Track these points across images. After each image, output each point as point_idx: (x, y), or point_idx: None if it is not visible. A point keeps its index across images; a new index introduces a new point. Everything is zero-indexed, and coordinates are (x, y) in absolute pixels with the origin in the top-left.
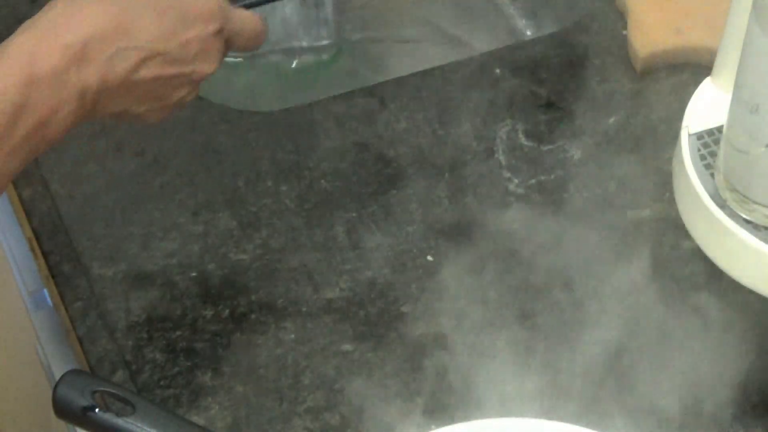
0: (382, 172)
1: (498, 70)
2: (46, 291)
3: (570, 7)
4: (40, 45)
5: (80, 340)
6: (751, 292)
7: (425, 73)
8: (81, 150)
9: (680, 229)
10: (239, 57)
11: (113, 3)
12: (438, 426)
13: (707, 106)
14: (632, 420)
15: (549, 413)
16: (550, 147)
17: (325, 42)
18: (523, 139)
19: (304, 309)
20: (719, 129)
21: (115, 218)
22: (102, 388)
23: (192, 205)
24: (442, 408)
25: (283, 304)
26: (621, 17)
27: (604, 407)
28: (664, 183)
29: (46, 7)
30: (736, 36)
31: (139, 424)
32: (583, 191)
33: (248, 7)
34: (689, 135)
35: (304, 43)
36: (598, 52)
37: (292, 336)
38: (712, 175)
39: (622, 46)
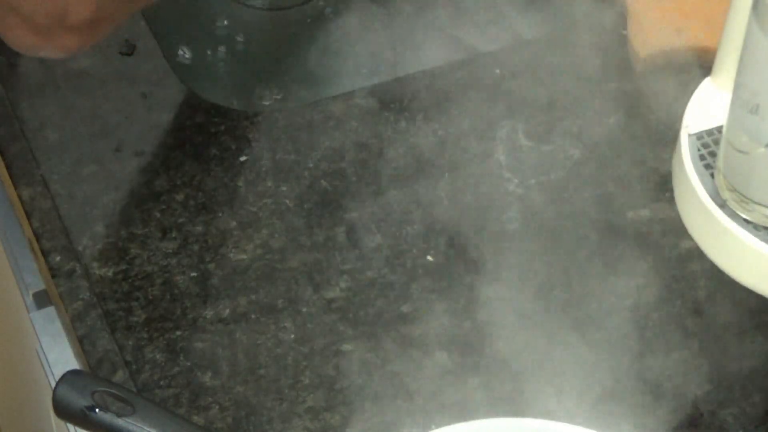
0: (382, 172)
1: (498, 70)
2: (46, 291)
3: (570, 7)
4: None
5: (80, 340)
6: (751, 292)
7: (425, 73)
8: (81, 150)
9: (680, 229)
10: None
11: None
12: (438, 426)
13: (707, 106)
14: (632, 420)
15: (549, 413)
16: (550, 147)
17: None
18: (523, 139)
19: (304, 309)
20: (719, 129)
21: (115, 218)
22: (102, 388)
23: (192, 205)
24: (442, 408)
25: (283, 304)
26: (621, 17)
27: (605, 407)
28: (664, 183)
29: None
30: (736, 36)
31: (139, 424)
32: (583, 191)
33: None
34: (689, 135)
35: None
36: (598, 52)
37: (292, 336)
38: (712, 175)
39: (622, 46)
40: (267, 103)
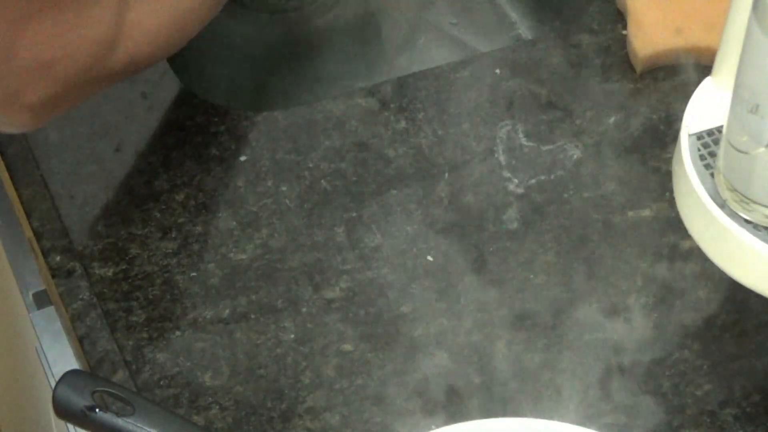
0: (382, 172)
1: (498, 70)
2: (46, 291)
3: (569, 7)
4: None
5: (80, 340)
6: (751, 292)
7: (425, 73)
8: (81, 150)
9: (680, 229)
10: None
11: None
12: (438, 426)
13: (707, 106)
14: (631, 420)
15: (549, 413)
16: (550, 147)
17: None
18: (523, 139)
19: (304, 309)
20: (719, 129)
21: (115, 218)
22: (102, 388)
23: (192, 205)
24: (442, 408)
25: (283, 304)
26: (621, 17)
27: (603, 407)
28: (664, 183)
29: None
30: (736, 36)
31: (139, 424)
32: (583, 191)
33: None
34: (689, 135)
35: None
36: (598, 52)
37: (292, 336)
38: (712, 175)
39: (622, 46)
40: (267, 103)
